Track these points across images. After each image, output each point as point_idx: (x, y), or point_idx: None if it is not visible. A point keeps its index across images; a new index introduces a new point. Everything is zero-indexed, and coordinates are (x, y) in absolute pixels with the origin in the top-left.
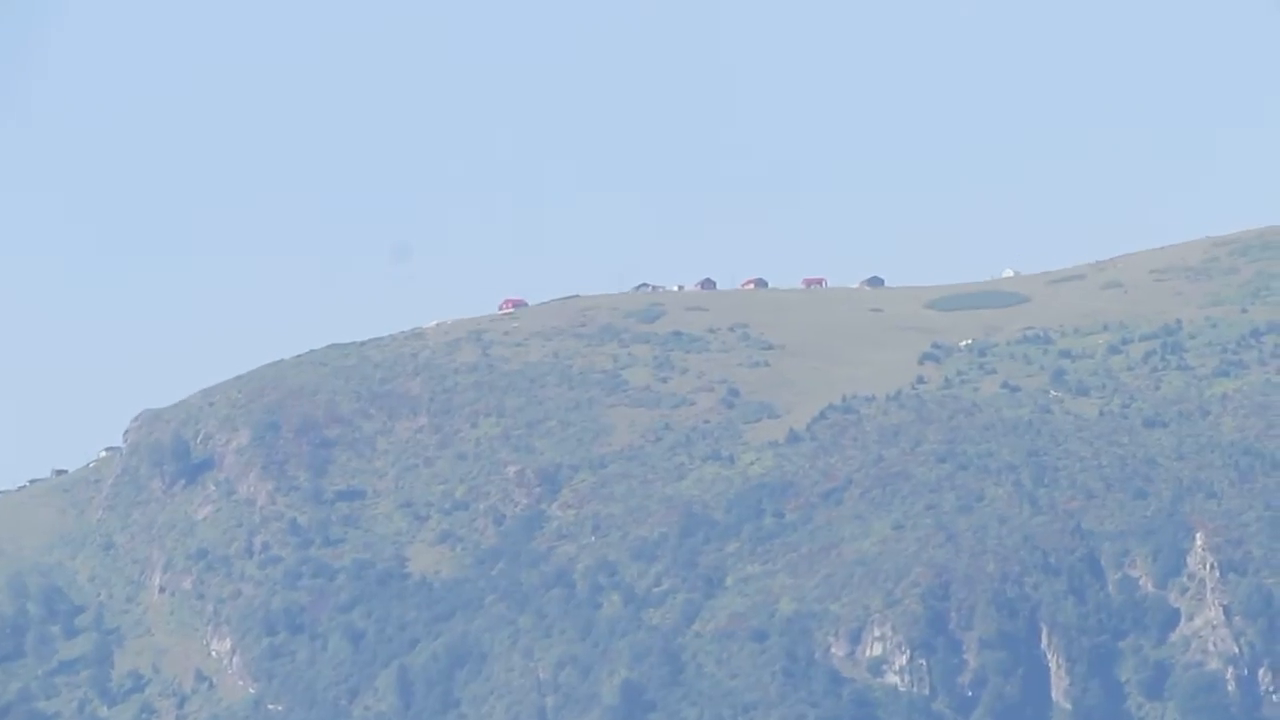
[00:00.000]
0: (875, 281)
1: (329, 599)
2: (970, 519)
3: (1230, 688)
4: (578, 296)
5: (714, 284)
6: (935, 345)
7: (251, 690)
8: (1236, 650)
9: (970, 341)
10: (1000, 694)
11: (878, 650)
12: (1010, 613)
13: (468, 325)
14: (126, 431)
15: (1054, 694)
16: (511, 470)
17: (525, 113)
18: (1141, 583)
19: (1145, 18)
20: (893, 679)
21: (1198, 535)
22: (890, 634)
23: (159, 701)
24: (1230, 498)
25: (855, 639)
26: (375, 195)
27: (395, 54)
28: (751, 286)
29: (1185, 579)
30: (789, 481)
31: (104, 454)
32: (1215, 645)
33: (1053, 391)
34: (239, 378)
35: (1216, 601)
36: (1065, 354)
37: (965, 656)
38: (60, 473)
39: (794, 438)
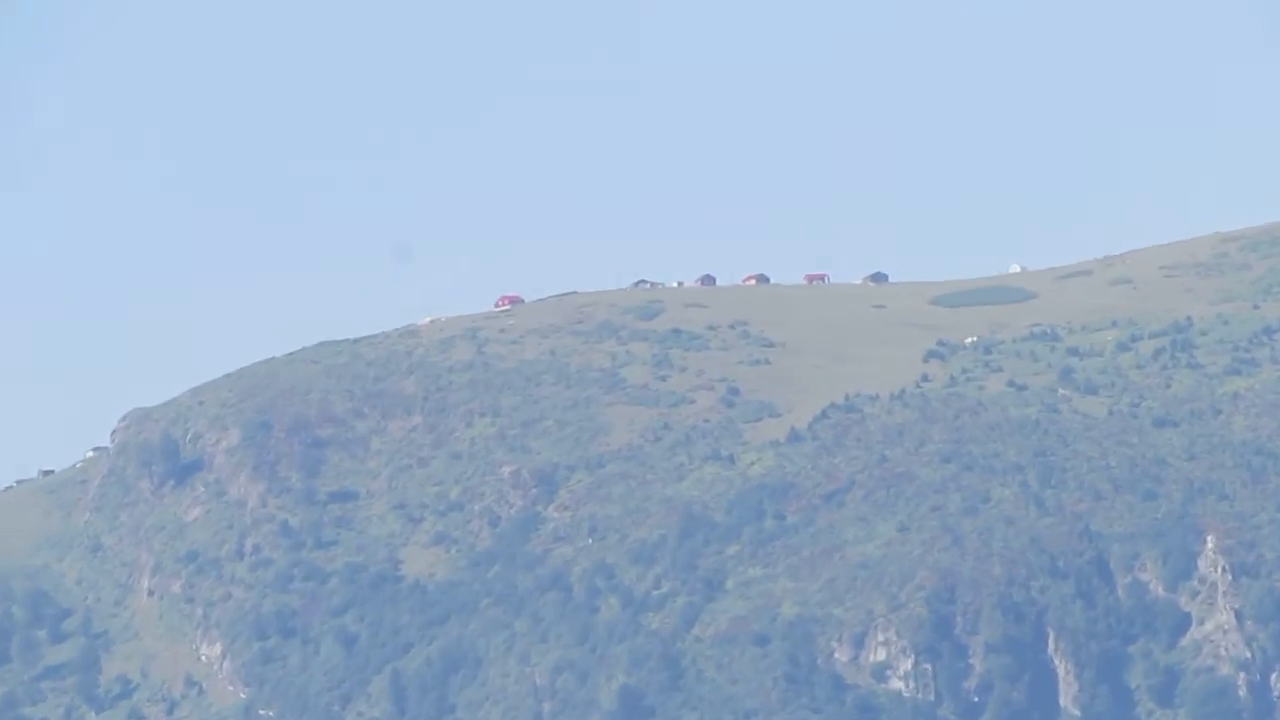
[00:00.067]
0: (879, 277)
1: (321, 602)
2: (976, 521)
3: (1242, 693)
4: (575, 293)
5: (714, 280)
6: (940, 343)
7: (242, 696)
8: (1249, 655)
9: (976, 339)
10: (1007, 700)
11: (882, 655)
12: (1017, 617)
13: (463, 322)
14: (114, 431)
15: (1062, 700)
16: (507, 471)
17: (522, 106)
18: (1151, 586)
19: (1155, 9)
20: (897, 684)
21: (1209, 537)
22: (894, 638)
23: (148, 707)
24: (1242, 499)
25: (859, 643)
26: (368, 190)
27: (387, 46)
28: (752, 282)
29: (1196, 582)
30: (791, 482)
31: (91, 454)
32: (1227, 650)
33: (1060, 390)
34: (229, 376)
35: (1228, 605)
36: (1073, 351)
37: (971, 661)
38: (47, 473)
39: (796, 437)
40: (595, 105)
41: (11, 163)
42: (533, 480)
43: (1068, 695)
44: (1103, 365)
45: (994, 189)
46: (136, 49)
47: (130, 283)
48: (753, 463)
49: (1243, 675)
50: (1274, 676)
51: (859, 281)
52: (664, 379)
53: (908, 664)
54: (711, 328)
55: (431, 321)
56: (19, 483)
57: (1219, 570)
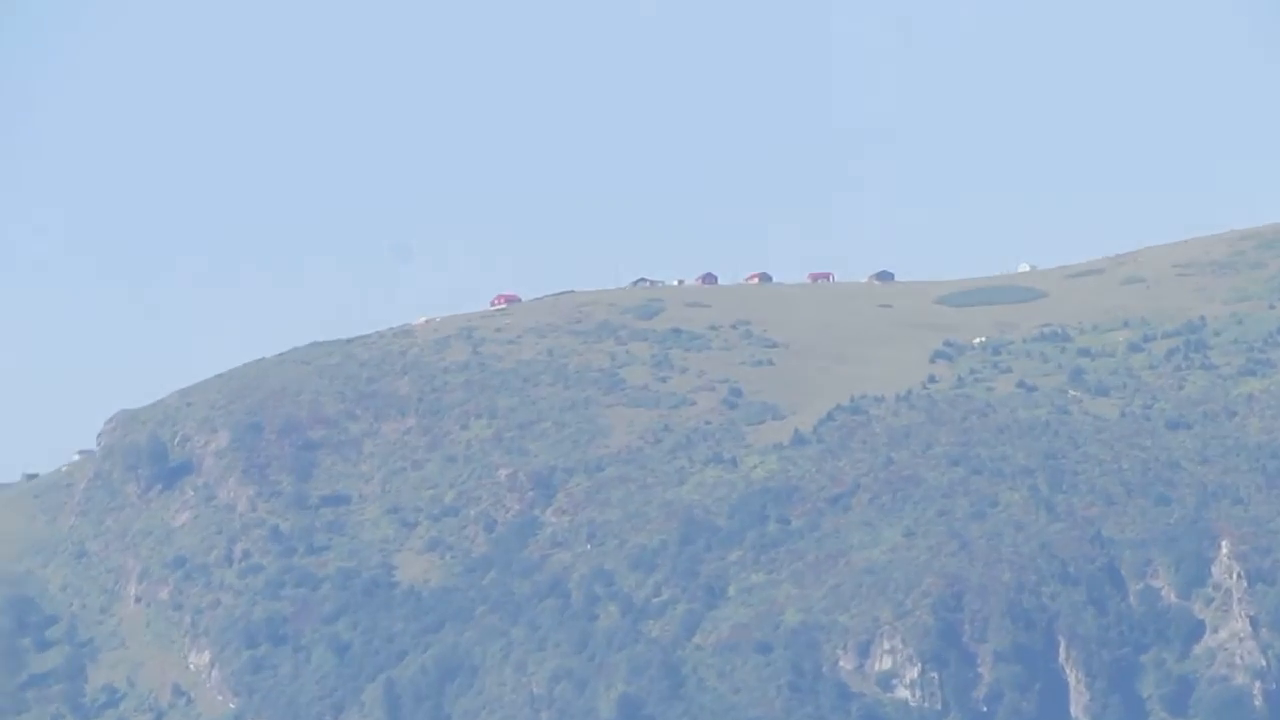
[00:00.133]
0: (885, 276)
1: (313, 609)
2: (984, 526)
3: (1258, 703)
4: (573, 292)
5: (715, 278)
6: (947, 343)
7: (231, 705)
8: (1264, 663)
9: (984, 339)
10: (1016, 709)
11: (887, 663)
12: (1026, 624)
13: (458, 322)
14: (100, 433)
15: (1073, 709)
16: (503, 474)
17: (519, 103)
18: (1164, 593)
19: (1169, 3)
20: (903, 694)
21: (1223, 543)
22: (900, 646)
23: (135, 717)
24: (1257, 503)
25: (864, 652)
26: (362, 188)
27: (381, 46)
28: (755, 281)
29: (1210, 589)
30: (794, 486)
31: (77, 457)
32: (1242, 658)
33: (1071, 391)
34: (219, 377)
35: (1243, 612)
36: (1084, 352)
37: (979, 670)
38: (31, 477)
39: (799, 440)
40: (595, 101)
41: None
42: (530, 484)
43: (1078, 705)
44: (1114, 366)
45: (1003, 185)
46: (131, 43)
47: (118, 283)
48: (755, 466)
49: (1258, 684)
50: None
51: (864, 280)
52: (664, 380)
53: (914, 673)
54: (713, 327)
55: (426, 321)
56: (2, 486)
57: (1234, 576)
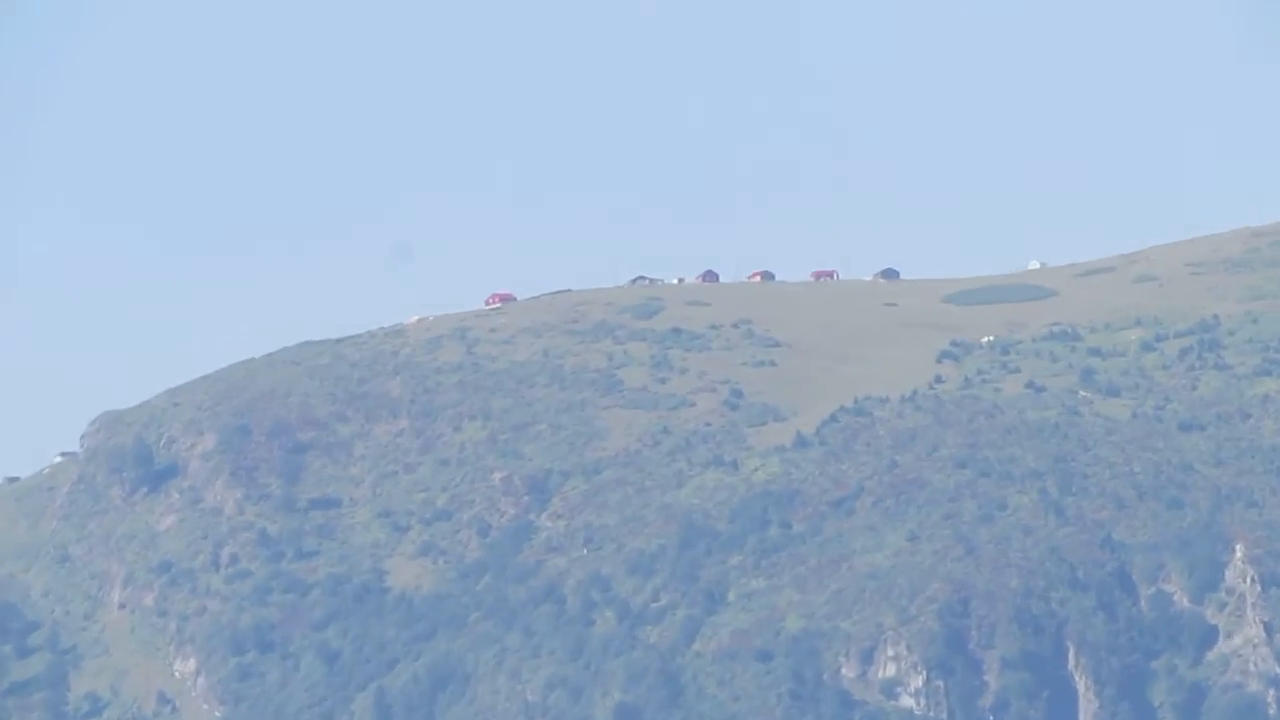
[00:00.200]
0: (890, 274)
1: (302, 616)
2: (992, 530)
3: (1272, 711)
4: (569, 291)
5: (716, 276)
6: (954, 342)
7: (218, 714)
8: (1278, 671)
9: (992, 338)
10: (1024, 718)
11: (891, 671)
12: (1035, 630)
13: (451, 321)
14: (84, 435)
15: (1082, 718)
16: (498, 477)
17: (517, 99)
18: (1176, 598)
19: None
20: (908, 702)
21: (1237, 547)
22: (905, 653)
23: None
24: (1272, 507)
25: (867, 659)
26: (356, 187)
27: (377, 44)
28: (757, 279)
29: (1223, 594)
30: (796, 489)
31: (59, 459)
32: (1255, 665)
33: (1081, 392)
34: (206, 377)
35: (1257, 618)
36: (1094, 352)
37: (986, 678)
38: (12, 480)
39: (802, 442)
40: (594, 98)
41: None
42: (525, 487)
43: (1088, 713)
44: (1126, 366)
45: (1011, 181)
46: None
47: (103, 281)
48: (756, 469)
49: (1272, 692)
50: None
51: (869, 278)
52: (663, 381)
53: (919, 680)
54: (714, 327)
55: (419, 320)
56: None
57: (1247, 581)
